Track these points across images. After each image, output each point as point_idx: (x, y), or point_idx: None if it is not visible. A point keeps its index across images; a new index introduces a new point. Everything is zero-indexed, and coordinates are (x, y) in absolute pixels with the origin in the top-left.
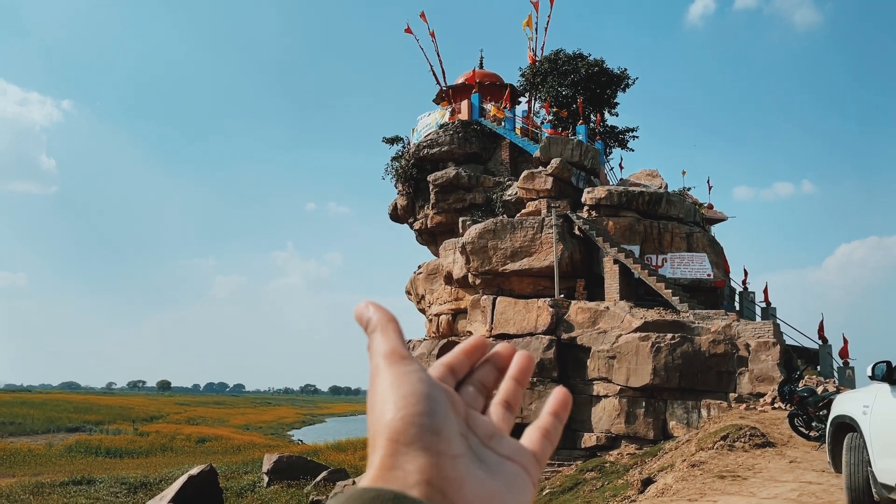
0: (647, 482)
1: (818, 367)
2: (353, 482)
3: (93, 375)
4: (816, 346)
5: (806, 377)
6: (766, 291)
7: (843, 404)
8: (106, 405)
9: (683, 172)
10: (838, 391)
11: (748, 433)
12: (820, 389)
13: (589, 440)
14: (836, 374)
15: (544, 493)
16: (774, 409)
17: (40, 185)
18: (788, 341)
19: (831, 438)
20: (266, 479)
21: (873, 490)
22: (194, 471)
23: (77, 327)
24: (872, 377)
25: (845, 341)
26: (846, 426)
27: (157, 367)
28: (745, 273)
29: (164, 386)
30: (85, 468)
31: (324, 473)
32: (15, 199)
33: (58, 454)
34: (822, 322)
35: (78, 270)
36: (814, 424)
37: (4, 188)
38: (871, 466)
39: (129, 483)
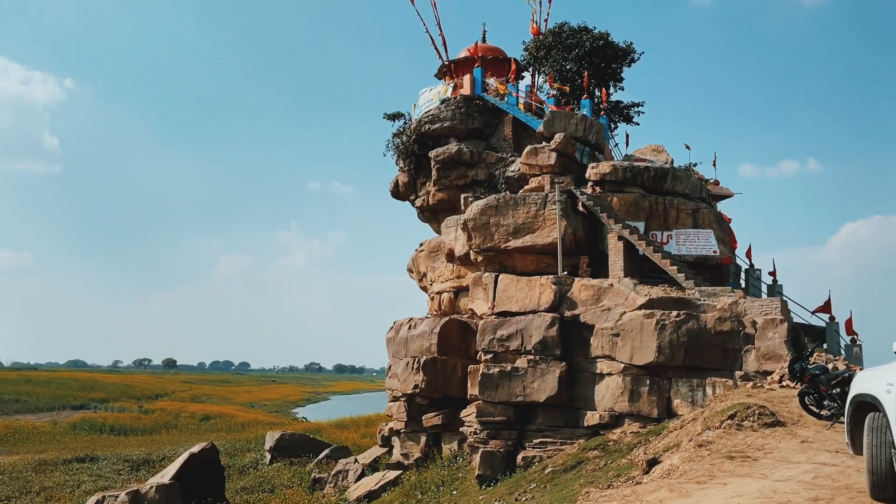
0: (653, 462)
1: (825, 345)
2: (356, 459)
3: (99, 354)
4: (823, 324)
5: (815, 355)
6: (773, 270)
7: (865, 382)
8: (111, 383)
9: (687, 147)
10: (849, 369)
11: (757, 412)
12: (830, 367)
13: (592, 418)
14: (843, 352)
15: (547, 472)
16: (782, 387)
17: (44, 164)
18: (795, 319)
19: (851, 418)
20: (268, 456)
21: None
22: (195, 448)
23: (83, 306)
24: None
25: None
26: (867, 405)
27: (163, 346)
28: (750, 251)
29: (170, 364)
30: (89, 446)
31: (326, 451)
32: (19, 178)
33: (62, 432)
34: (829, 299)
35: (83, 249)
36: (825, 403)
37: (9, 167)
38: (895, 448)
39: (131, 460)
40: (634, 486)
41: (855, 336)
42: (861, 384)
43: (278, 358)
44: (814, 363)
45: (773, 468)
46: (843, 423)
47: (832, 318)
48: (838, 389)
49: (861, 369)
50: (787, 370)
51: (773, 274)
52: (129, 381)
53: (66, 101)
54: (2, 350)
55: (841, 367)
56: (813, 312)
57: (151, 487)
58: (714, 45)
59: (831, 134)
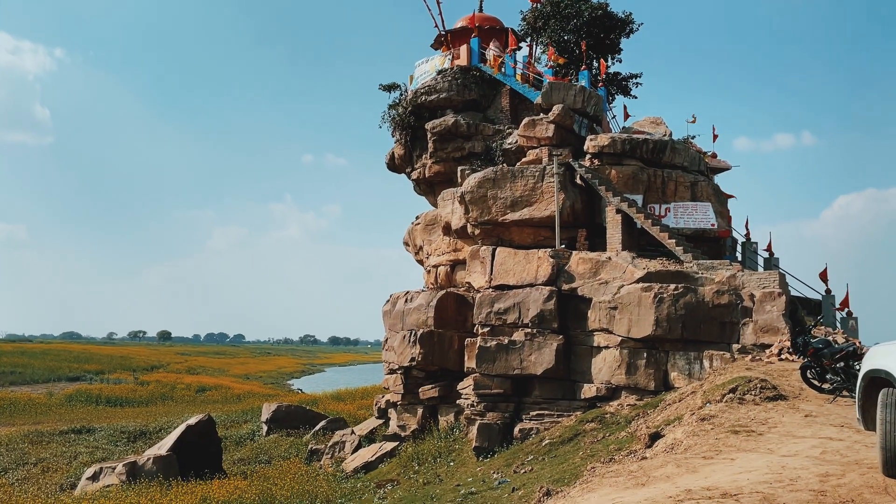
0: (655, 436)
1: (821, 318)
2: (352, 431)
3: (94, 326)
4: (819, 297)
5: (816, 328)
6: (769, 243)
7: (879, 357)
8: (107, 355)
9: (693, 118)
10: (850, 343)
11: (758, 385)
12: (831, 340)
13: (589, 391)
14: (839, 325)
15: (544, 444)
16: (781, 360)
17: (36, 136)
18: (791, 292)
19: (862, 393)
20: (265, 427)
21: None
22: (192, 420)
23: (78, 278)
24: None
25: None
26: (881, 381)
27: (158, 318)
28: (747, 224)
29: (165, 336)
30: (85, 417)
31: (322, 422)
32: (11, 149)
33: (58, 403)
34: (825, 269)
35: (77, 221)
36: (828, 377)
37: (0, 139)
38: None
39: (128, 431)
40: (640, 462)
41: (850, 310)
42: (875, 359)
43: (273, 330)
44: (817, 337)
45: (779, 443)
46: (845, 396)
47: (828, 291)
48: (842, 364)
49: (861, 343)
50: (786, 343)
51: (769, 248)
52: (125, 353)
53: (56, 72)
54: None
55: (840, 340)
56: (821, 279)
57: (149, 459)
58: (713, 17)
59: (827, 107)
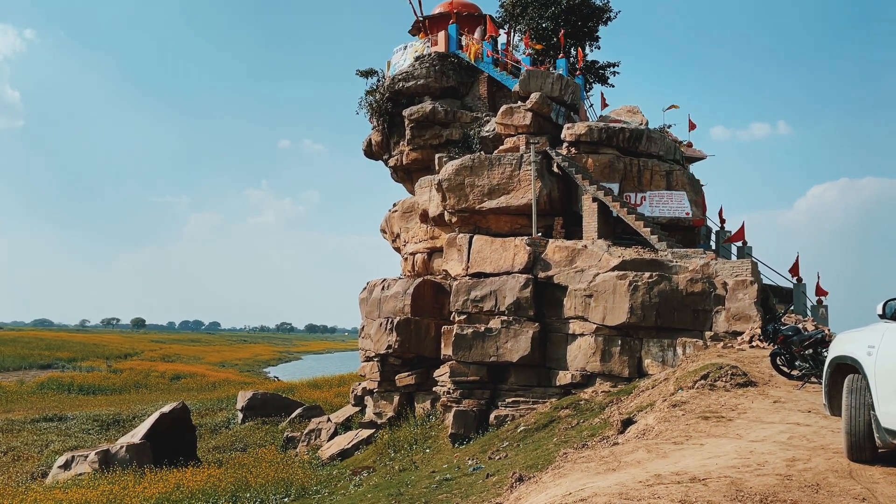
0: (628, 423)
1: (791, 306)
2: (328, 418)
3: (66, 313)
4: (791, 285)
5: (786, 316)
6: (741, 230)
7: (845, 344)
8: (79, 342)
9: (676, 106)
10: (819, 330)
11: (729, 372)
12: (800, 328)
13: (563, 378)
14: (809, 313)
15: (519, 431)
16: (752, 347)
17: (5, 119)
18: (763, 280)
19: (829, 380)
20: (240, 415)
21: (875, 435)
22: (166, 408)
23: (49, 264)
24: (883, 316)
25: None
26: (847, 367)
27: (132, 305)
28: (721, 213)
29: (139, 324)
30: (57, 405)
31: (298, 410)
32: None
33: (29, 391)
34: (797, 260)
35: (49, 206)
36: (797, 364)
37: None
38: (874, 410)
39: (101, 420)
40: (612, 447)
41: (822, 297)
42: (841, 346)
43: (249, 318)
44: (787, 325)
45: (748, 428)
46: (813, 383)
47: (799, 280)
48: (811, 350)
49: (829, 330)
50: (757, 331)
51: (742, 233)
52: (98, 341)
53: (26, 53)
54: None
55: (810, 328)
56: (791, 273)
57: (122, 447)
58: (689, 6)
59: (802, 96)
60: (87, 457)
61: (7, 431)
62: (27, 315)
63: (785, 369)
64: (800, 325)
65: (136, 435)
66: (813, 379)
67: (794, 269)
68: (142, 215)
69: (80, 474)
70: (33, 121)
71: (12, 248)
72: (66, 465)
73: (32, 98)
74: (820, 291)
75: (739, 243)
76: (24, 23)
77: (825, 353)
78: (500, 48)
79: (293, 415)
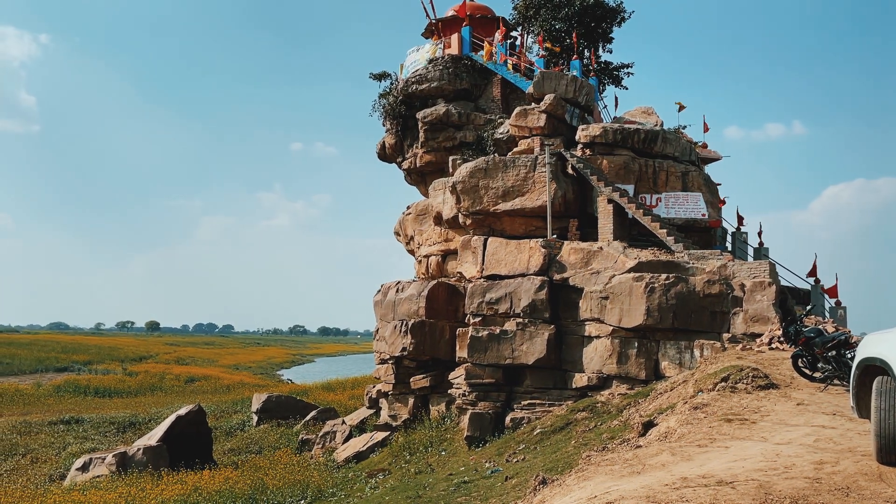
0: (649, 425)
1: (811, 307)
2: (343, 421)
3: (81, 316)
4: (808, 287)
5: (807, 317)
6: (759, 233)
7: (874, 346)
8: (95, 345)
9: (682, 106)
10: (840, 332)
11: (750, 374)
12: (822, 329)
13: (580, 380)
14: (828, 314)
15: (536, 433)
16: (772, 349)
17: (21, 124)
18: (781, 282)
19: (857, 382)
20: (255, 418)
21: None
22: (182, 411)
23: (65, 267)
24: None
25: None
26: (876, 369)
27: (146, 308)
28: (739, 214)
29: (153, 326)
30: (73, 408)
31: (313, 412)
32: None
33: (46, 394)
34: (815, 262)
35: (64, 210)
36: (819, 366)
37: None
38: None
39: (117, 422)
40: (635, 450)
41: (838, 299)
42: (870, 347)
43: (262, 320)
44: (808, 326)
45: (773, 431)
46: (836, 385)
47: (817, 281)
48: (833, 352)
49: (851, 332)
50: (777, 332)
51: (759, 235)
52: (113, 344)
53: (42, 58)
54: None
55: (831, 329)
56: (810, 276)
57: (139, 449)
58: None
59: (818, 96)
60: (104, 459)
61: (25, 434)
62: (43, 318)
63: (807, 371)
64: (821, 327)
65: (153, 437)
66: (836, 381)
67: (813, 272)
68: (155, 219)
69: (98, 476)
70: (49, 125)
71: (28, 252)
72: (84, 468)
73: (48, 103)
74: (832, 293)
75: (758, 244)
76: (39, 28)
77: (848, 355)
78: (514, 49)
79: (308, 417)
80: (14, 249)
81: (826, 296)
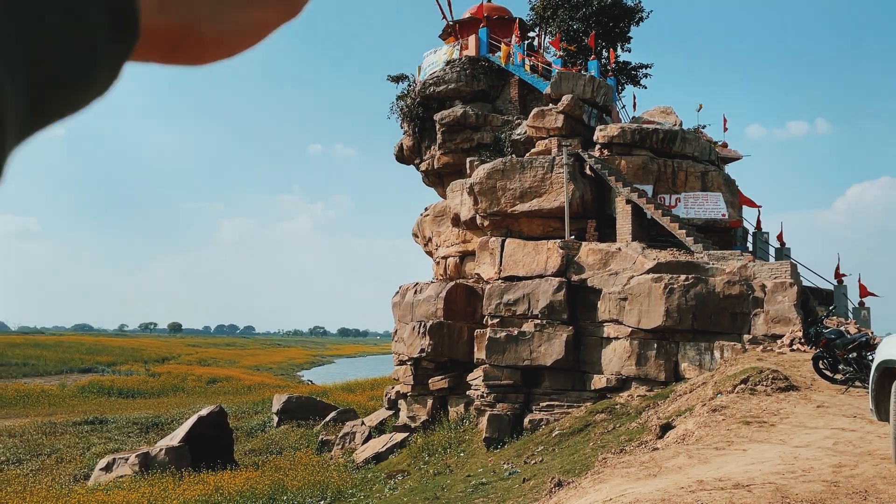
0: (667, 427)
1: (833, 308)
2: (362, 422)
3: (105, 317)
4: (831, 287)
5: (828, 318)
6: (780, 233)
7: (892, 347)
8: (118, 346)
9: (700, 107)
10: (863, 333)
11: (770, 376)
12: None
13: (598, 382)
14: (851, 315)
15: (554, 435)
16: (793, 350)
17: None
18: (802, 282)
19: (876, 384)
20: (276, 418)
21: None
22: (204, 411)
23: (89, 270)
24: None
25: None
26: (895, 371)
27: (169, 310)
28: (759, 213)
29: (176, 328)
30: (97, 408)
31: (333, 413)
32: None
33: (71, 395)
34: (838, 263)
35: (88, 214)
36: (840, 367)
37: None
38: None
39: (140, 423)
40: (652, 452)
41: (862, 300)
42: (888, 349)
43: (283, 321)
44: (829, 327)
45: (791, 434)
46: (857, 387)
47: (840, 282)
48: (854, 354)
49: (873, 333)
50: (798, 333)
51: (780, 235)
52: (136, 345)
53: None
54: (9, 314)
55: (853, 331)
56: (835, 277)
57: (161, 450)
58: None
59: (842, 94)
60: (127, 459)
61: (50, 434)
62: (68, 320)
63: (828, 373)
64: (842, 328)
65: (175, 438)
66: (857, 383)
67: (837, 273)
68: (177, 222)
69: (121, 476)
70: (73, 130)
71: (53, 255)
72: (108, 468)
73: None
74: (864, 292)
75: (779, 244)
76: None
77: (870, 357)
78: (532, 50)
79: (327, 418)
80: (39, 252)
81: (854, 297)
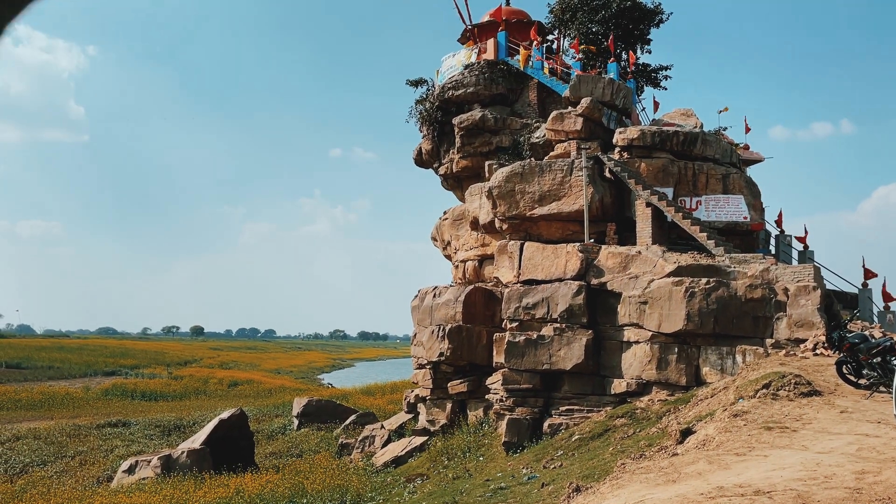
0: (687, 433)
1: (857, 312)
2: (382, 425)
3: (128, 321)
4: (856, 291)
5: (853, 323)
6: (804, 236)
7: None
8: (141, 350)
9: (725, 108)
10: (888, 337)
11: (792, 381)
12: (867, 335)
13: (619, 386)
14: (876, 319)
15: (574, 439)
16: (816, 355)
17: (71, 134)
18: (826, 286)
19: None
20: (296, 422)
21: None
22: (225, 414)
23: (112, 273)
24: None
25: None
26: None
27: (191, 313)
28: (780, 215)
29: (198, 331)
30: (121, 411)
31: (352, 417)
32: (47, 147)
33: (95, 397)
34: (864, 263)
35: (111, 218)
36: (864, 372)
37: (36, 137)
38: None
39: (163, 425)
40: (671, 458)
41: (888, 304)
42: None
43: (303, 325)
44: (853, 332)
45: (814, 439)
46: (882, 392)
47: (865, 285)
48: (879, 359)
49: None
50: (821, 338)
51: (803, 240)
52: (159, 348)
53: (89, 70)
54: (34, 318)
55: (878, 335)
56: (865, 279)
57: (183, 452)
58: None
59: (867, 94)
60: (149, 462)
61: (74, 436)
62: (92, 324)
63: (852, 378)
64: (867, 332)
65: (197, 440)
66: (881, 388)
67: (866, 272)
68: (199, 226)
69: (144, 479)
70: (97, 135)
71: (78, 259)
72: (130, 470)
73: (96, 113)
74: (887, 297)
75: (802, 247)
76: (87, 40)
77: (894, 362)
78: (550, 53)
79: (347, 421)
80: (64, 256)
81: (879, 301)
